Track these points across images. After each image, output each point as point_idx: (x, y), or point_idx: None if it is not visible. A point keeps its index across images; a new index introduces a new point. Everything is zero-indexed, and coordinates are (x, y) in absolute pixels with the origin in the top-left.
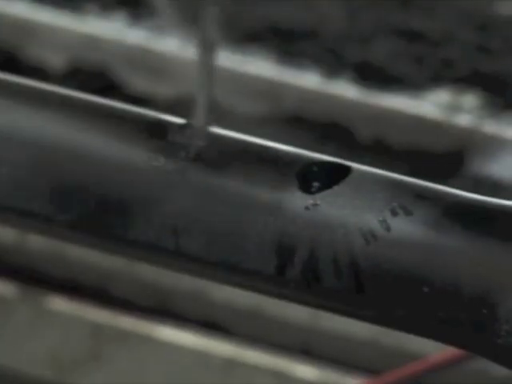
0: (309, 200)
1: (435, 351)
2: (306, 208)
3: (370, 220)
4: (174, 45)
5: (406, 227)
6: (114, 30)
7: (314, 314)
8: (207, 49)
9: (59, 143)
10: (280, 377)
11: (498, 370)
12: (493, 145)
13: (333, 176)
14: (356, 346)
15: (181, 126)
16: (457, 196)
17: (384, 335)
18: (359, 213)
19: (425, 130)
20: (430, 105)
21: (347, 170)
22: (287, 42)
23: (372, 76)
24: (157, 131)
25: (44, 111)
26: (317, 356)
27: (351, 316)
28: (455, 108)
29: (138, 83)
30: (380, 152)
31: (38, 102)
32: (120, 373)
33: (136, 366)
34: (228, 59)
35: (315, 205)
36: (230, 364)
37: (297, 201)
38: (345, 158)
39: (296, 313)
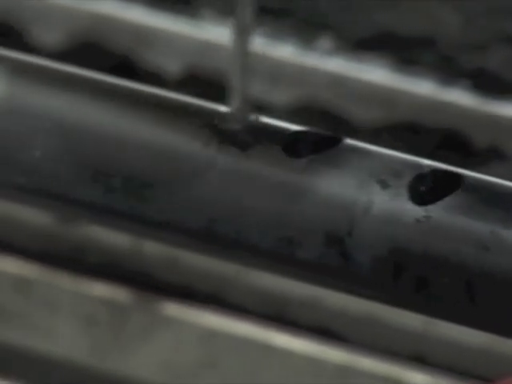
0: (420, 212)
1: None
2: (418, 220)
3: (482, 232)
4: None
5: None
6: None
7: (428, 321)
8: (242, 33)
9: (104, 130)
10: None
11: None
12: None
13: (444, 186)
14: (470, 354)
15: (223, 113)
16: None
17: (499, 343)
18: (472, 224)
19: None
20: None
21: (459, 180)
22: (403, 50)
23: (488, 84)
24: (201, 118)
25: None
26: (431, 363)
27: (463, 323)
28: None
29: (253, 89)
30: (495, 160)
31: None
32: (234, 379)
33: (250, 373)
34: (343, 66)
35: (427, 217)
36: (344, 371)
37: (408, 213)
38: (459, 167)
39: (409, 320)
